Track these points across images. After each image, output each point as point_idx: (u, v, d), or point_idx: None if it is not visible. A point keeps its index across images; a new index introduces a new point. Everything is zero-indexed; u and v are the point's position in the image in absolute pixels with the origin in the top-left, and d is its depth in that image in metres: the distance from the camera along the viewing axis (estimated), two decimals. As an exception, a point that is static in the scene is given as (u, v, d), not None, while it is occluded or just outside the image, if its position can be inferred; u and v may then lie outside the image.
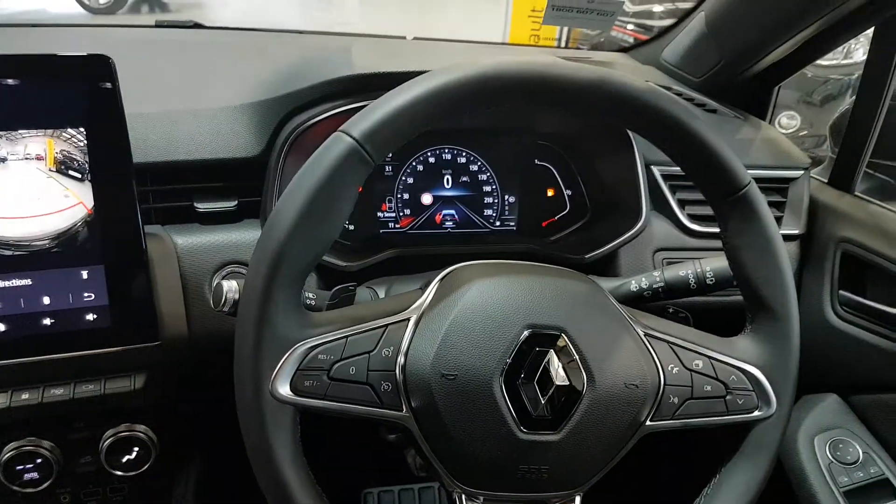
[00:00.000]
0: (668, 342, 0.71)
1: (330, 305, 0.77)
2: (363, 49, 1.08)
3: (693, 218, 1.10)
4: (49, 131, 0.75)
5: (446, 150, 1.13)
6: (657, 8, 4.55)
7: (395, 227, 1.13)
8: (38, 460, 0.88)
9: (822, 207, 1.18)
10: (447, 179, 1.14)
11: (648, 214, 1.07)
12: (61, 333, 0.80)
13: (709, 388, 0.70)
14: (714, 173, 0.70)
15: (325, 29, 1.42)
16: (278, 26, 1.42)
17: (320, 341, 0.62)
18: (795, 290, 0.73)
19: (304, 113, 0.97)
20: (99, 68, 0.76)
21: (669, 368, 0.69)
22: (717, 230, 0.75)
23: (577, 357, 0.65)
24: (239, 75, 1.08)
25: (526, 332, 0.64)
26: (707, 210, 1.10)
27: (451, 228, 1.15)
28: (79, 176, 0.77)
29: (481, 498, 0.67)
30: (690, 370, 0.70)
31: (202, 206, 0.94)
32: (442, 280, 0.71)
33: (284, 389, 0.60)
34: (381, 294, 0.89)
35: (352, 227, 1.10)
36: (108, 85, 0.77)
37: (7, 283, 0.77)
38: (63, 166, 0.76)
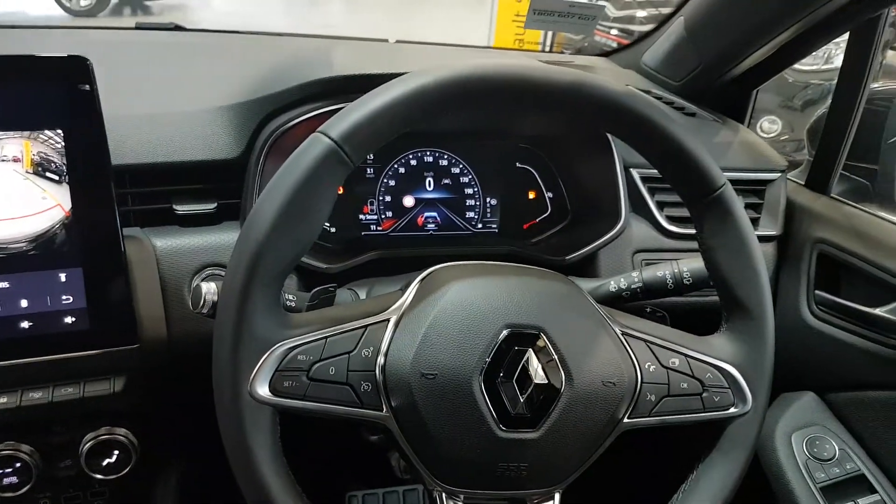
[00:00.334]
0: (645, 341, 0.72)
1: (310, 307, 0.77)
2: (344, 51, 1.08)
3: (672, 220, 1.11)
4: (26, 133, 0.75)
5: (428, 153, 1.13)
6: (640, 13, 4.59)
7: (376, 230, 1.13)
8: (17, 464, 0.87)
9: (799, 209, 1.19)
10: (429, 182, 1.14)
11: (628, 216, 1.08)
12: (39, 336, 0.79)
13: (685, 385, 0.71)
14: (689, 175, 0.71)
15: (307, 32, 1.42)
16: (260, 30, 1.42)
17: (299, 342, 0.62)
18: (770, 290, 0.74)
19: (284, 115, 0.97)
20: (77, 70, 0.76)
21: (646, 367, 0.70)
22: (695, 231, 0.76)
23: (556, 356, 0.66)
24: (219, 77, 1.08)
25: (505, 332, 0.65)
26: (685, 212, 1.10)
27: (433, 231, 1.16)
28: (56, 178, 0.77)
29: (462, 496, 0.68)
30: (667, 368, 0.71)
31: (181, 209, 0.94)
32: (422, 281, 0.71)
33: (263, 390, 0.60)
34: (362, 295, 0.89)
35: (333, 230, 1.10)
36: (86, 87, 0.76)
37: (-16, 286, 0.77)
38: (40, 168, 0.76)
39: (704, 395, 0.72)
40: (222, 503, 1.31)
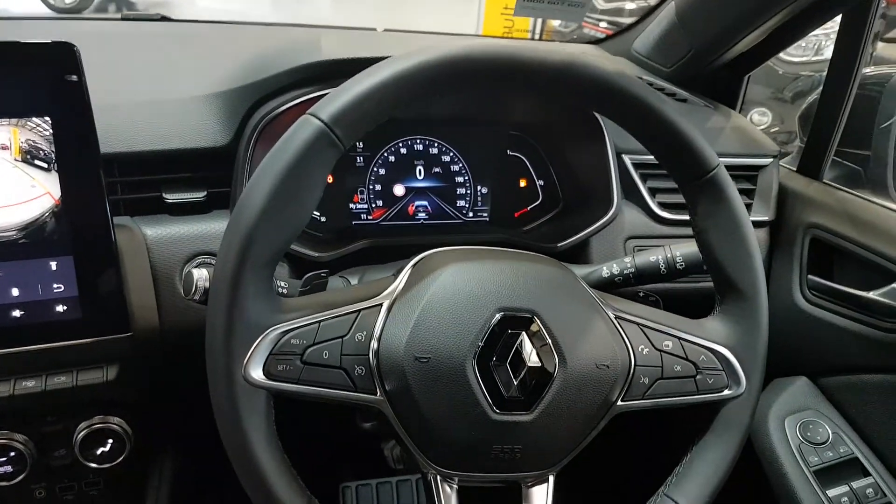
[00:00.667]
0: (638, 324, 0.72)
1: (302, 292, 0.77)
2: (332, 39, 1.08)
3: (664, 206, 1.11)
4: (13, 120, 0.74)
5: (418, 141, 1.13)
6: (629, 5, 4.59)
7: (367, 219, 1.13)
8: (12, 453, 0.87)
9: (791, 194, 1.20)
10: (419, 170, 1.14)
11: (620, 203, 1.08)
12: (31, 325, 0.79)
13: (679, 368, 0.71)
14: (683, 156, 0.71)
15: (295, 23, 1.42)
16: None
17: (293, 326, 0.62)
18: (763, 272, 0.74)
19: (273, 101, 0.96)
20: (64, 57, 0.75)
21: (640, 349, 0.70)
22: (687, 217, 0.76)
23: (549, 339, 0.66)
24: (206, 66, 1.08)
25: (498, 316, 0.65)
26: (677, 198, 1.11)
27: (424, 220, 1.15)
28: (45, 166, 0.76)
29: (456, 479, 0.68)
30: (660, 351, 0.71)
31: (171, 198, 0.93)
32: (414, 266, 0.71)
33: (257, 374, 0.60)
34: (354, 283, 0.89)
35: (323, 219, 1.10)
36: (74, 74, 0.75)
37: (-25, 275, 0.76)
38: (29, 156, 0.75)
39: (698, 377, 0.72)
40: (217, 491, 1.31)
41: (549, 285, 0.70)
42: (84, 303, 0.80)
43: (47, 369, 0.83)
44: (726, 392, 0.73)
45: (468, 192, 1.17)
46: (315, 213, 1.08)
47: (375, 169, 1.12)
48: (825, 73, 1.16)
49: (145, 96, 0.98)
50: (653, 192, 1.11)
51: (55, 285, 0.79)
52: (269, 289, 0.62)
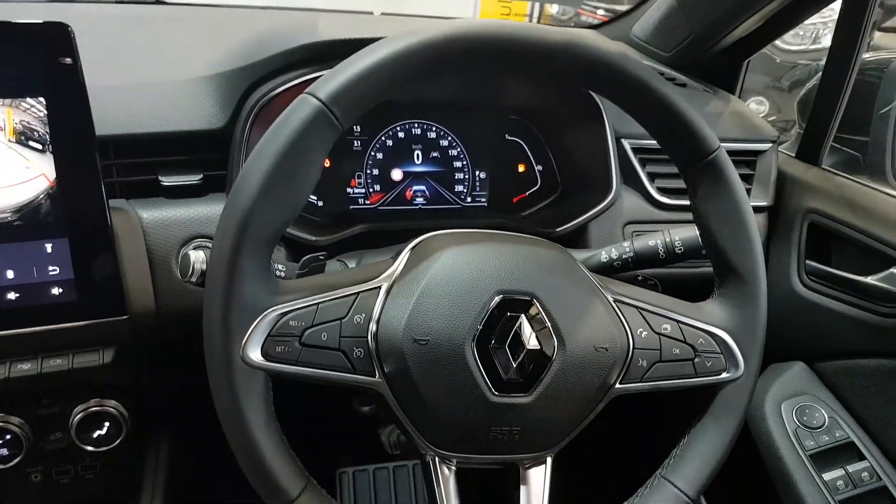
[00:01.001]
0: (637, 307, 0.72)
1: (299, 275, 0.76)
2: (329, 21, 1.07)
3: (662, 191, 1.11)
4: (7, 101, 0.73)
5: (416, 125, 1.12)
6: (627, -7, 4.57)
7: (364, 204, 1.12)
8: (8, 436, 0.87)
9: (790, 180, 1.19)
10: (417, 155, 1.13)
11: (618, 188, 1.07)
12: (27, 307, 0.78)
13: (677, 351, 0.71)
14: (683, 138, 0.70)
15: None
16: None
17: (291, 308, 0.62)
18: (763, 255, 0.74)
19: (269, 83, 0.96)
20: (58, 38, 0.74)
21: (638, 332, 0.70)
22: (686, 202, 0.76)
23: (548, 321, 0.66)
24: (202, 47, 1.07)
25: (497, 298, 0.65)
26: (676, 183, 1.11)
27: (422, 205, 1.15)
28: (39, 147, 0.75)
29: (454, 461, 0.68)
30: (659, 334, 0.71)
31: (167, 180, 0.93)
32: (413, 249, 0.71)
33: (255, 355, 0.60)
34: (352, 266, 0.88)
35: (321, 203, 1.09)
36: (69, 56, 0.75)
37: (-31, 257, 0.76)
38: (23, 137, 0.74)
39: (696, 360, 0.72)
40: (214, 475, 1.31)
41: (549, 268, 0.69)
42: (80, 285, 0.80)
43: (43, 352, 0.83)
44: (724, 375, 0.73)
45: (466, 177, 1.16)
46: (312, 197, 1.08)
47: (373, 153, 1.11)
48: (824, 60, 1.16)
49: (141, 78, 0.97)
50: (652, 176, 1.11)
51: (51, 268, 0.79)
52: (266, 270, 0.62)
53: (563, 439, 0.70)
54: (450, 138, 1.14)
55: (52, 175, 0.76)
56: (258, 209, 0.59)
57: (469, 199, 1.17)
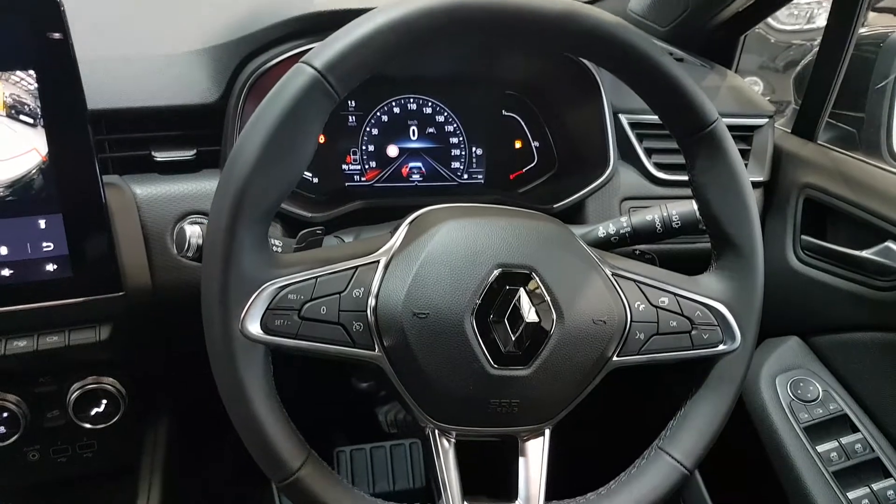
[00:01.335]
0: (634, 280, 0.72)
1: (297, 249, 0.76)
2: None
3: (660, 166, 1.11)
4: (-3, 73, 0.73)
5: (411, 100, 1.11)
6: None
7: (360, 181, 1.12)
8: (5, 414, 0.87)
9: (786, 155, 1.19)
10: (413, 131, 1.12)
11: (616, 163, 1.07)
12: (21, 284, 0.78)
13: (674, 323, 0.72)
14: (682, 109, 0.70)
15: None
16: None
17: (290, 281, 0.62)
18: (760, 227, 0.74)
19: (263, 55, 0.95)
20: (48, 11, 0.72)
21: (636, 305, 0.71)
22: (683, 178, 0.75)
23: (547, 294, 0.66)
24: (195, 19, 1.06)
25: (496, 272, 0.65)
26: (673, 158, 1.10)
27: (418, 181, 1.14)
28: (31, 121, 0.74)
29: (454, 433, 0.69)
30: (656, 307, 0.72)
31: (160, 156, 0.92)
32: (411, 223, 0.71)
33: (255, 328, 0.60)
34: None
35: (316, 180, 1.09)
36: (59, 31, 0.73)
37: (-39, 233, 0.75)
38: (14, 111, 0.73)
39: (693, 332, 0.72)
40: (212, 452, 1.31)
41: (547, 242, 0.69)
42: (74, 262, 0.79)
43: (39, 329, 0.82)
44: (721, 347, 0.73)
45: (463, 153, 1.16)
46: (307, 174, 1.07)
47: (368, 129, 1.10)
48: (818, 40, 1.15)
49: (133, 52, 0.96)
50: (649, 152, 1.10)
51: (44, 244, 0.78)
52: (264, 243, 0.62)
53: (562, 411, 0.71)
54: (446, 114, 1.14)
55: (44, 150, 0.75)
56: (255, 180, 0.58)
57: (465, 176, 1.17)
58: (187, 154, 0.93)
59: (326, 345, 0.63)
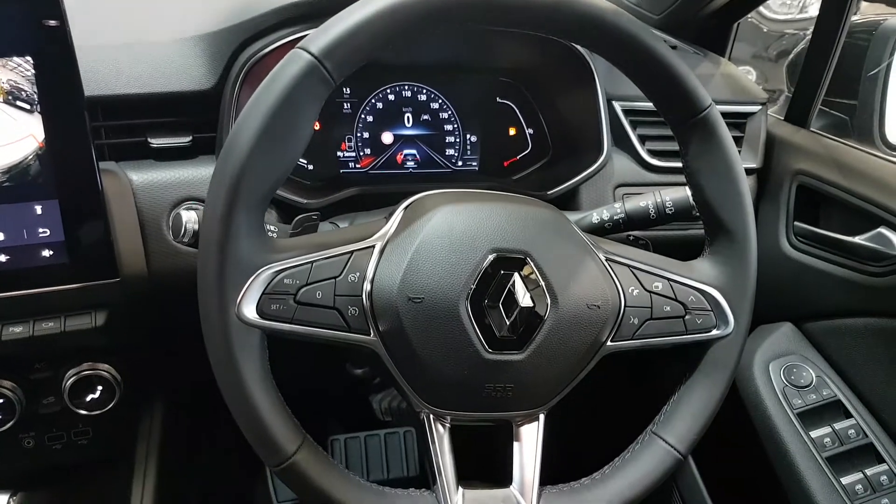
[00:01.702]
0: (628, 266, 0.73)
1: (293, 234, 0.76)
2: None
3: (653, 153, 1.11)
4: (-6, 60, 0.72)
5: (406, 87, 1.11)
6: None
7: (355, 167, 1.12)
8: (0, 400, 0.87)
9: (779, 142, 1.20)
10: (408, 118, 1.12)
11: (609, 150, 1.07)
12: (17, 270, 0.78)
13: (668, 308, 0.72)
14: (675, 95, 0.70)
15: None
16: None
17: (286, 266, 0.62)
18: (753, 212, 0.75)
19: (258, 42, 0.94)
20: None
21: (630, 290, 0.71)
22: (677, 164, 0.76)
23: (541, 279, 0.66)
24: (191, 7, 1.05)
25: (491, 257, 0.65)
26: (667, 145, 1.11)
27: (413, 168, 1.14)
28: (28, 107, 0.74)
29: (448, 418, 0.69)
30: (650, 292, 0.72)
31: (156, 142, 0.92)
32: (407, 208, 0.71)
33: (251, 313, 0.60)
34: None
35: (311, 167, 1.09)
36: (56, 17, 0.73)
37: (-42, 218, 0.75)
38: (10, 97, 0.73)
39: (687, 317, 0.73)
40: (207, 439, 1.32)
41: (542, 227, 0.70)
42: (70, 248, 0.79)
43: (35, 315, 0.82)
44: (714, 332, 0.74)
45: (457, 140, 1.16)
46: (302, 160, 1.07)
47: (363, 116, 1.10)
48: (811, 30, 1.15)
49: (130, 39, 0.96)
50: (643, 139, 1.11)
51: (41, 230, 0.78)
52: (260, 228, 0.62)
53: (556, 396, 0.71)
54: (440, 101, 1.14)
55: (41, 136, 0.75)
56: (251, 165, 0.58)
57: (460, 163, 1.17)
58: (183, 140, 0.93)
59: (322, 329, 0.63)
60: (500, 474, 0.72)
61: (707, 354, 0.75)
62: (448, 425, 0.69)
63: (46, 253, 0.79)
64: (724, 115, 1.12)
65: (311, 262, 0.63)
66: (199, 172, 0.92)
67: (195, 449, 1.32)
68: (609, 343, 0.70)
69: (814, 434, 1.06)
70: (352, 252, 0.65)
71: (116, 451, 1.07)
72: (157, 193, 0.89)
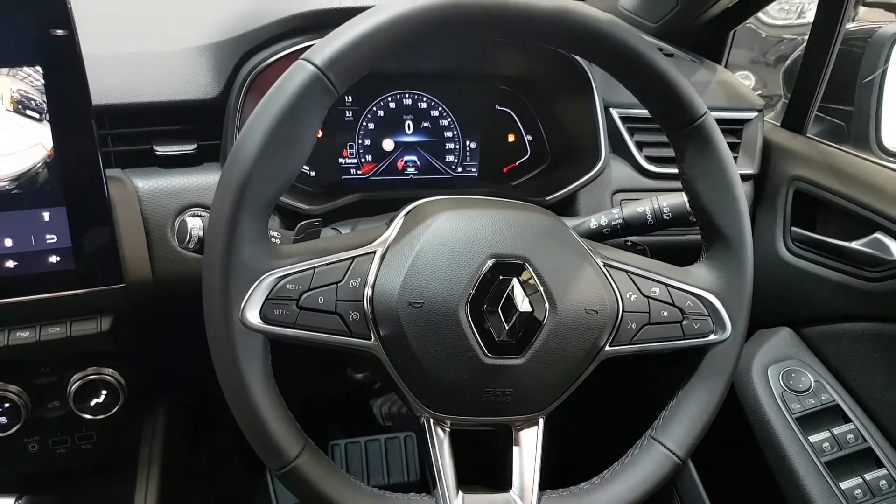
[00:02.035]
0: (626, 271, 0.73)
1: (296, 240, 0.77)
2: None
3: (651, 159, 1.12)
4: (4, 70, 0.73)
5: (407, 96, 1.13)
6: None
7: (356, 174, 1.13)
8: (6, 405, 0.87)
9: (776, 148, 1.21)
10: (408, 125, 1.14)
11: (607, 156, 1.08)
12: (25, 276, 0.79)
13: (665, 313, 0.73)
14: (671, 104, 0.71)
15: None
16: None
17: (289, 271, 0.63)
18: (749, 219, 0.75)
19: (262, 52, 0.96)
20: (53, 6, 0.73)
21: (627, 296, 0.72)
22: (673, 171, 0.77)
23: (540, 285, 0.67)
24: (196, 17, 1.07)
25: (490, 262, 0.66)
26: (664, 152, 1.12)
27: (413, 175, 1.15)
28: (37, 116, 0.75)
29: (448, 422, 0.70)
30: (648, 297, 0.73)
31: (162, 150, 0.93)
32: (407, 214, 0.72)
33: (254, 318, 0.61)
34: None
35: (313, 174, 1.10)
36: (65, 27, 0.74)
37: (-33, 225, 0.76)
38: (20, 106, 0.74)
39: (684, 322, 0.74)
40: (209, 444, 1.32)
41: (540, 233, 0.71)
42: (77, 254, 0.81)
43: (41, 320, 0.83)
44: (712, 337, 0.75)
45: (457, 147, 1.17)
46: (304, 167, 1.08)
47: (364, 123, 1.11)
48: (809, 32, 1.16)
49: (136, 48, 0.97)
50: (640, 145, 1.12)
51: (48, 236, 0.79)
52: (264, 234, 0.63)
53: (555, 401, 0.72)
54: (440, 108, 1.15)
55: (50, 144, 0.76)
56: (256, 173, 0.59)
57: (460, 169, 1.18)
58: (188, 148, 0.94)
59: (324, 334, 0.64)
60: (499, 479, 0.72)
61: (705, 359, 0.76)
62: (448, 429, 0.70)
63: (53, 259, 0.80)
64: (721, 121, 1.14)
65: (314, 268, 0.64)
66: (203, 179, 0.93)
67: (196, 453, 1.33)
68: (607, 348, 0.71)
69: (813, 439, 1.06)
70: (353, 258, 0.66)
71: (119, 455, 1.08)
72: (162, 200, 0.90)
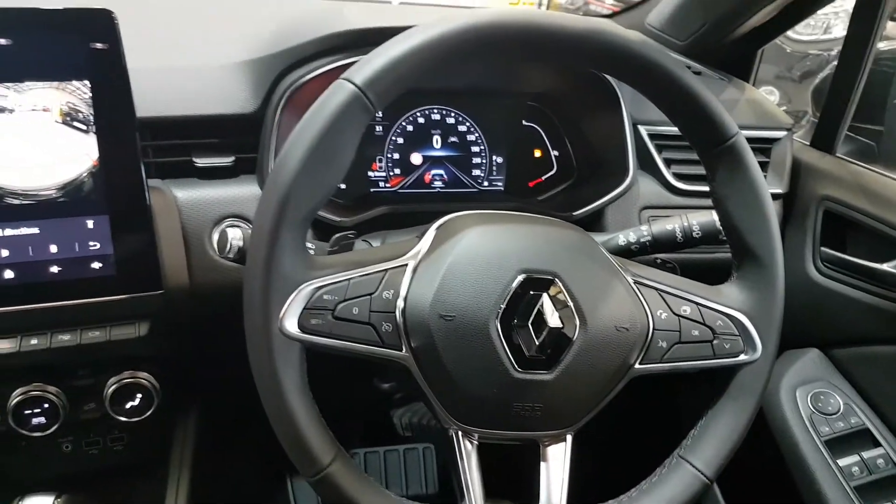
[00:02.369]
0: (656, 289, 0.74)
1: (330, 252, 0.79)
2: (354, 10, 1.09)
3: (679, 177, 1.12)
4: (55, 83, 0.76)
5: (435, 111, 1.14)
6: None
7: (385, 187, 1.14)
8: (45, 405, 0.89)
9: (805, 167, 1.20)
10: (436, 140, 1.15)
11: (635, 173, 1.09)
12: (68, 281, 0.81)
13: (696, 332, 0.73)
14: (703, 124, 0.72)
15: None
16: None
17: (325, 282, 0.64)
18: (780, 239, 0.76)
19: (300, 69, 0.98)
20: (102, 23, 0.77)
21: (658, 314, 0.72)
22: (703, 188, 0.77)
23: (570, 300, 0.67)
24: (237, 33, 1.09)
25: (520, 277, 0.67)
26: (693, 169, 1.12)
27: (440, 188, 1.17)
28: (84, 128, 0.78)
29: (476, 435, 0.70)
30: (678, 315, 0.73)
31: (201, 162, 0.95)
32: (438, 228, 0.73)
33: (292, 327, 0.62)
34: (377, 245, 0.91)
35: (343, 186, 1.11)
36: (112, 41, 0.77)
37: (16, 232, 0.79)
38: (69, 118, 0.77)
39: (715, 342, 0.74)
40: (240, 448, 1.34)
41: (570, 248, 0.71)
42: (118, 260, 0.83)
43: (82, 324, 0.85)
44: (742, 357, 0.74)
45: (484, 161, 1.18)
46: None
47: (394, 138, 1.13)
48: (835, 51, 1.16)
49: (179, 62, 1.00)
50: (668, 162, 1.12)
51: (91, 243, 0.81)
52: (303, 246, 0.65)
53: (584, 417, 0.72)
54: (468, 124, 1.16)
55: (95, 155, 0.79)
56: (298, 187, 0.61)
57: (486, 184, 1.19)
58: (226, 160, 0.96)
59: (357, 344, 0.65)
60: (526, 493, 0.73)
61: (735, 379, 0.75)
62: (476, 442, 0.70)
63: (96, 265, 0.82)
64: (750, 140, 1.14)
65: (349, 280, 0.65)
66: (240, 191, 0.95)
67: (220, 457, 1.34)
68: (637, 366, 0.71)
69: (842, 462, 1.05)
70: (386, 270, 0.67)
71: (149, 457, 1.10)
72: (200, 210, 0.92)
